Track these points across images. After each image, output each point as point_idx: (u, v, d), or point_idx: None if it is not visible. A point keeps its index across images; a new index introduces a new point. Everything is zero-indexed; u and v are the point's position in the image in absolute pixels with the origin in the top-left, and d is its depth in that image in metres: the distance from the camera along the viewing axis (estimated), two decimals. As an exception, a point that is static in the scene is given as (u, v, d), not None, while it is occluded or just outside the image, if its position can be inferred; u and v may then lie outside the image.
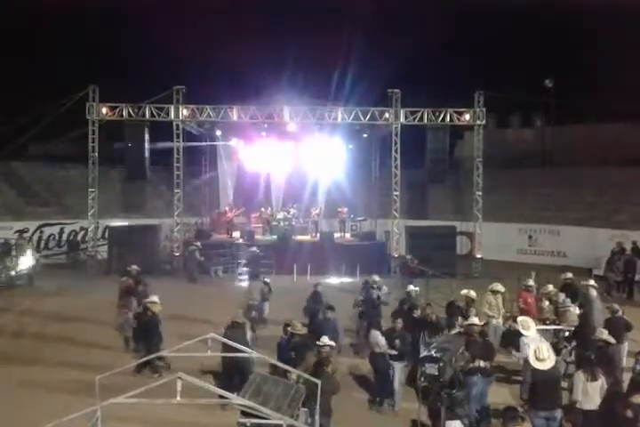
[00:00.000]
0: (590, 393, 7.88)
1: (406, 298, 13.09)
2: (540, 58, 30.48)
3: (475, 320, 9.75)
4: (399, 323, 10.37)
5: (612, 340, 9.17)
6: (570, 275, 14.48)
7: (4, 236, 21.62)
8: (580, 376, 8.03)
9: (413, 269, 18.72)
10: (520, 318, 10.53)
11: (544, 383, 8.01)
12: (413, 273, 18.55)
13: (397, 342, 10.11)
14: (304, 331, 10.07)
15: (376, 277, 14.38)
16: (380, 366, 10.11)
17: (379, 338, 10.20)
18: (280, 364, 8.06)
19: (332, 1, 30.32)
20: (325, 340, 8.77)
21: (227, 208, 25.76)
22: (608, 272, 19.53)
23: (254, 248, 21.20)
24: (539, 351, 8.14)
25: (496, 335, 12.12)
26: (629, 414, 7.30)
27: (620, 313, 11.17)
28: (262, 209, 25.84)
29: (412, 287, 13.27)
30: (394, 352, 9.98)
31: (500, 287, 12.96)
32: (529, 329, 9.95)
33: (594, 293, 12.51)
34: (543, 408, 7.96)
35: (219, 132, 25.80)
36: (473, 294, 12.38)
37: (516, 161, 28.45)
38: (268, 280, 15.35)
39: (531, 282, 13.63)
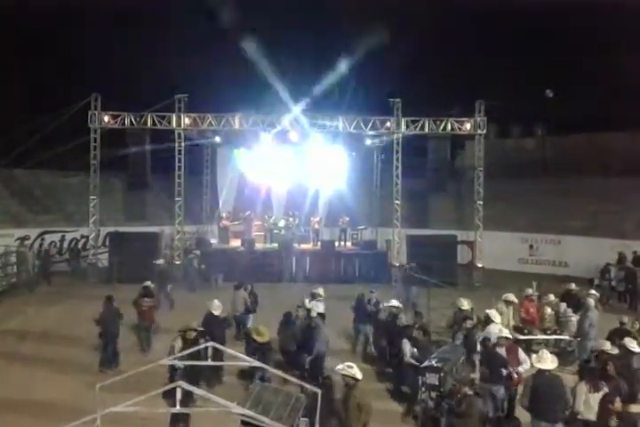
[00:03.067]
0: (592, 404, 7.81)
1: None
2: (541, 67, 30.55)
3: (503, 332, 9.78)
4: (421, 335, 10.39)
5: (615, 350, 9.11)
6: (572, 285, 14.50)
7: (6, 243, 21.64)
8: (581, 388, 7.95)
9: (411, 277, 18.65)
10: (489, 311, 11.33)
11: (546, 391, 7.92)
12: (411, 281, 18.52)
13: (415, 352, 10.10)
14: (265, 339, 10.09)
15: (320, 290, 13.96)
16: (405, 375, 10.11)
17: (406, 347, 10.22)
18: (274, 370, 8.04)
19: (332, 10, 30.44)
20: (341, 367, 7.83)
21: (223, 215, 25.87)
22: (602, 281, 19.64)
23: (161, 261, 19.04)
24: (541, 353, 8.25)
25: None
26: (613, 423, 7.30)
27: (625, 325, 11.20)
28: (266, 217, 25.87)
29: (394, 302, 12.70)
30: (415, 362, 9.93)
31: (513, 298, 12.94)
32: (496, 318, 11.08)
33: (591, 302, 12.53)
34: (545, 419, 7.87)
35: (220, 141, 25.86)
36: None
37: (517, 170, 28.45)
38: (250, 289, 14.58)
39: (531, 291, 13.62)
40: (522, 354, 9.58)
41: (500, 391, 9.02)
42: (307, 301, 13.17)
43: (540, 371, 8.08)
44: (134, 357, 12.57)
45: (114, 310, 12.45)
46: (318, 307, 13.20)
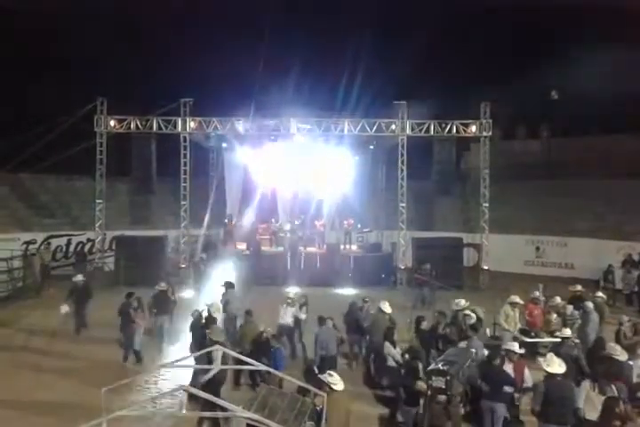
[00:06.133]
0: (595, 404, 7.86)
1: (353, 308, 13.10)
2: (546, 69, 30.50)
3: (515, 347, 9.44)
4: (414, 340, 10.43)
5: (623, 357, 9.00)
6: (579, 287, 14.43)
7: (12, 247, 21.69)
8: (584, 385, 8.11)
9: (418, 280, 18.70)
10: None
11: (556, 395, 7.89)
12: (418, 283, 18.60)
13: (407, 356, 10.08)
14: (220, 339, 10.12)
15: (290, 294, 13.84)
16: (391, 378, 10.09)
17: (390, 350, 10.23)
18: (277, 373, 8.04)
19: (338, 13, 30.50)
20: (325, 374, 7.72)
21: (226, 220, 25.91)
22: (606, 283, 19.60)
23: (79, 277, 16.63)
24: (550, 357, 8.22)
25: None
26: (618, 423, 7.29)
27: (624, 326, 11.18)
28: (272, 220, 25.91)
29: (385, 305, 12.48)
30: (394, 365, 9.95)
31: (518, 300, 12.91)
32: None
33: (590, 305, 12.49)
34: (555, 422, 7.85)
35: (225, 145, 25.90)
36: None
37: (523, 172, 28.42)
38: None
39: (537, 294, 13.57)
40: (527, 373, 9.27)
41: (501, 409, 8.69)
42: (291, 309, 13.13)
43: (550, 375, 8.04)
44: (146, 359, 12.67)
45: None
46: (286, 314, 13.00)
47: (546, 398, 7.93)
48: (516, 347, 9.40)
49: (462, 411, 8.79)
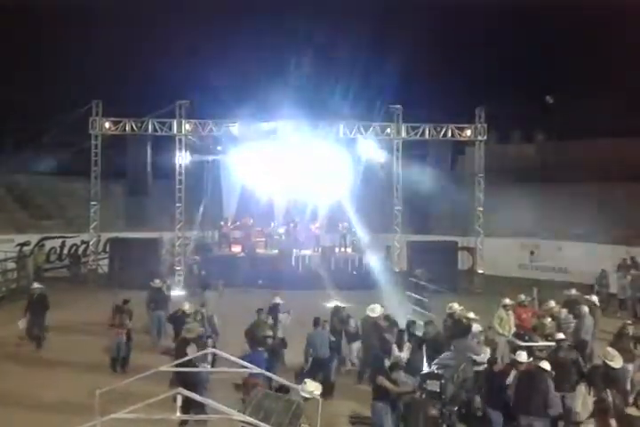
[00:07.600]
0: (590, 408, 7.84)
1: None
2: (541, 73, 30.61)
3: (522, 357, 9.09)
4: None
5: (617, 364, 8.72)
6: (574, 291, 14.47)
7: (6, 249, 21.62)
8: (581, 389, 8.13)
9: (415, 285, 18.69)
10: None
11: (525, 384, 8.08)
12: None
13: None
14: (192, 335, 10.41)
15: (277, 299, 13.72)
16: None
17: (395, 352, 10.30)
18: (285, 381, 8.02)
19: (332, 18, 30.54)
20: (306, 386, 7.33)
21: (222, 222, 25.88)
22: (600, 288, 19.61)
23: (36, 284, 15.49)
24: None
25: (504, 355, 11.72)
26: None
27: (627, 331, 11.19)
28: (267, 223, 25.90)
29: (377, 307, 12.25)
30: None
31: (508, 301, 12.97)
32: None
33: (585, 309, 12.52)
34: (522, 412, 8.00)
35: (221, 147, 25.88)
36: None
37: (518, 176, 28.46)
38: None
39: (523, 298, 13.61)
40: None
41: (496, 416, 8.58)
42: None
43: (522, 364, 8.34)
44: (140, 361, 12.60)
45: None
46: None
47: (516, 387, 8.22)
48: (523, 357, 9.04)
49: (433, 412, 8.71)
